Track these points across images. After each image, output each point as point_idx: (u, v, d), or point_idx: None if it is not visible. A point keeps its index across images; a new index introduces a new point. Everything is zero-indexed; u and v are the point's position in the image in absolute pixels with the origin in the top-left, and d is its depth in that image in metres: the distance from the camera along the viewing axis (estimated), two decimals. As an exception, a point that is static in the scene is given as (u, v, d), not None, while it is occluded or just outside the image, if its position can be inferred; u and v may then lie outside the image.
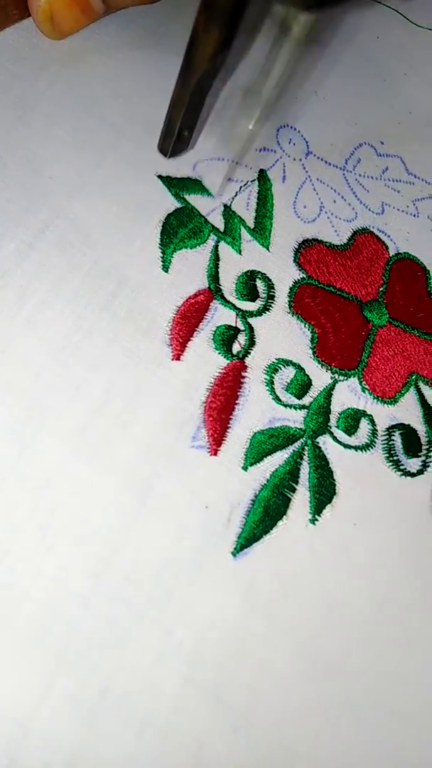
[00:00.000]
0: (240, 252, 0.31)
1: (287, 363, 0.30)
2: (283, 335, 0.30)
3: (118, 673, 0.23)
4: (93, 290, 0.27)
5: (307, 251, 0.32)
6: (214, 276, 0.30)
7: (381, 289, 0.33)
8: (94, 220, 0.28)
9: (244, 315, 0.30)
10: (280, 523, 0.27)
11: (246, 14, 0.25)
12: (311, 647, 0.25)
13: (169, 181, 0.31)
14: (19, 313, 0.26)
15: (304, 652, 0.25)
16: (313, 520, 0.27)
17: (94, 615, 0.23)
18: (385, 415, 0.30)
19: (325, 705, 0.25)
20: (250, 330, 0.30)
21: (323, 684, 0.25)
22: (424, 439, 0.30)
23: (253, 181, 0.33)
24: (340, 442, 0.29)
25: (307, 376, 0.30)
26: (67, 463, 0.24)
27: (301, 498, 0.27)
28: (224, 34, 0.24)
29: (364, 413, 0.30)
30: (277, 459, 0.28)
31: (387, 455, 0.29)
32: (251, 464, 0.27)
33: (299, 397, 0.29)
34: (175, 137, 0.29)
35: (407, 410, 0.31)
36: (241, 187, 0.32)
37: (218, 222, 0.31)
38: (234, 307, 0.30)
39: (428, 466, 0.30)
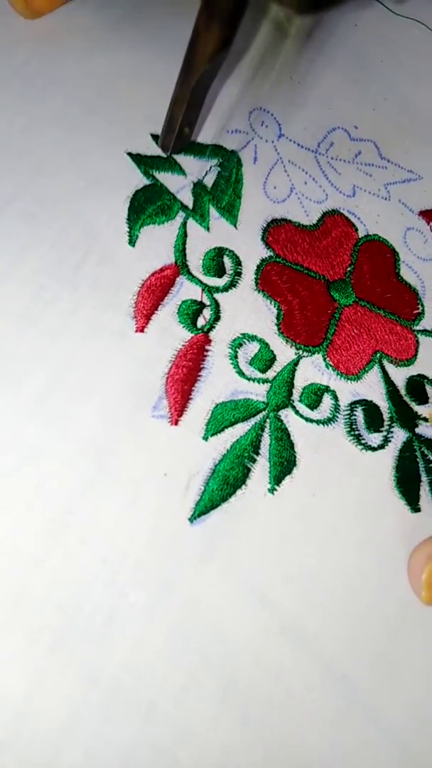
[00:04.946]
0: (208, 229, 0.31)
1: (252, 338, 0.30)
2: (248, 311, 0.31)
3: (70, 631, 0.23)
4: (56, 262, 0.28)
5: (275, 230, 0.33)
6: (181, 251, 0.30)
7: (349, 269, 0.33)
8: (60, 194, 0.29)
9: (210, 290, 0.30)
10: (238, 492, 0.27)
11: (245, 14, 0.25)
12: (264, 611, 0.25)
13: (138, 159, 0.31)
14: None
15: (257, 616, 0.25)
16: (272, 490, 0.27)
17: (47, 575, 0.23)
18: (348, 391, 0.31)
19: (276, 669, 0.25)
20: (216, 305, 0.30)
21: (276, 648, 0.25)
22: (386, 415, 0.31)
23: (225, 161, 0.33)
24: (302, 416, 0.29)
25: (272, 351, 0.30)
26: (23, 429, 0.25)
27: (261, 469, 0.28)
28: (225, 33, 0.25)
29: (327, 389, 0.30)
30: (239, 430, 0.28)
31: (348, 429, 0.30)
32: (212, 434, 0.28)
33: (263, 371, 0.30)
34: (176, 134, 0.29)
35: (370, 387, 0.31)
36: (211, 167, 0.33)
37: (187, 199, 0.32)
38: (200, 282, 0.30)
39: (389, 441, 0.30)
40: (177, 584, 0.25)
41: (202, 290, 0.30)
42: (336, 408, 0.30)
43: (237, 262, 0.31)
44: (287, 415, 0.29)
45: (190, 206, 0.31)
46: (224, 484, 0.27)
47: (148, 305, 0.29)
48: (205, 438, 0.27)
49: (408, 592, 0.27)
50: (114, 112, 0.32)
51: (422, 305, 0.34)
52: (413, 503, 0.29)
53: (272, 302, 0.31)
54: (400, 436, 0.30)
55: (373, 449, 0.30)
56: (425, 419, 0.31)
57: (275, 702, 0.25)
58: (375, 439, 0.30)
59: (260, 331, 0.30)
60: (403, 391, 0.32)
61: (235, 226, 0.32)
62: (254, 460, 0.28)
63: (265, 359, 0.30)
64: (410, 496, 0.29)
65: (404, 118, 0.40)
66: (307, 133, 0.36)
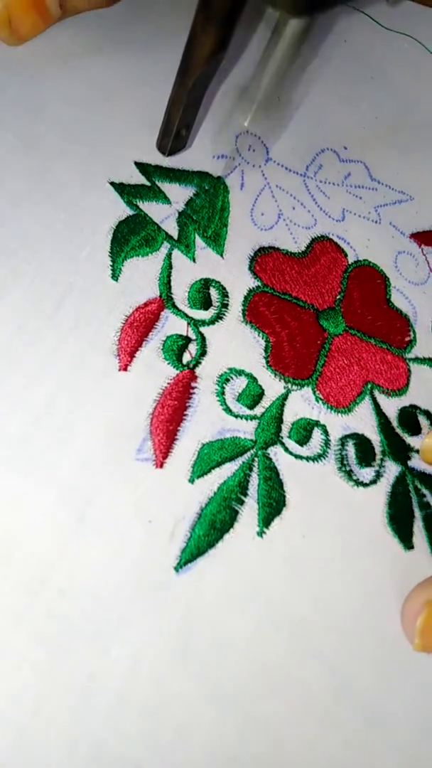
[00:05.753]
0: (194, 260, 0.31)
1: (239, 373, 0.29)
2: (235, 344, 0.30)
3: (50, 691, 0.22)
4: (36, 299, 0.27)
5: (262, 259, 0.32)
6: (166, 284, 0.30)
7: (338, 297, 0.33)
8: (39, 228, 0.28)
9: (196, 324, 0.29)
10: (226, 536, 0.26)
11: (242, 16, 0.25)
12: (255, 661, 0.25)
13: (121, 188, 0.30)
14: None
15: (246, 669, 0.24)
16: (260, 533, 0.27)
17: (25, 632, 0.22)
18: (338, 424, 0.30)
19: (267, 723, 0.24)
20: (202, 339, 0.29)
21: (268, 701, 0.24)
22: (378, 449, 0.30)
23: (210, 188, 0.32)
24: (291, 453, 0.29)
25: (260, 386, 0.29)
26: (1, 476, 0.24)
27: (250, 510, 0.27)
28: (221, 35, 0.25)
29: (317, 423, 0.29)
30: (226, 471, 0.27)
31: (339, 465, 0.29)
32: (198, 477, 0.27)
33: (251, 407, 0.29)
34: (173, 136, 0.29)
35: (362, 420, 0.30)
36: (197, 194, 0.32)
37: (172, 229, 0.31)
38: (186, 316, 0.29)
39: (381, 475, 0.29)
40: (163, 637, 0.24)
41: (188, 324, 0.29)
42: (326, 443, 0.29)
43: (224, 294, 0.30)
44: (276, 453, 0.28)
45: (175, 236, 0.31)
46: (211, 528, 0.26)
47: (132, 342, 0.28)
48: (191, 481, 0.27)
49: (402, 635, 0.27)
50: (96, 140, 0.31)
51: (414, 332, 0.33)
52: (407, 540, 0.29)
53: (260, 334, 0.30)
54: (392, 470, 0.30)
55: (365, 485, 0.29)
56: (417, 451, 0.31)
57: (264, 758, 0.24)
58: (367, 474, 0.29)
59: (248, 365, 0.30)
60: (395, 423, 0.31)
61: (221, 255, 0.31)
62: (242, 502, 0.27)
63: (253, 394, 0.29)
64: (403, 533, 0.29)
65: (395, 136, 0.39)
66: (295, 156, 0.35)
